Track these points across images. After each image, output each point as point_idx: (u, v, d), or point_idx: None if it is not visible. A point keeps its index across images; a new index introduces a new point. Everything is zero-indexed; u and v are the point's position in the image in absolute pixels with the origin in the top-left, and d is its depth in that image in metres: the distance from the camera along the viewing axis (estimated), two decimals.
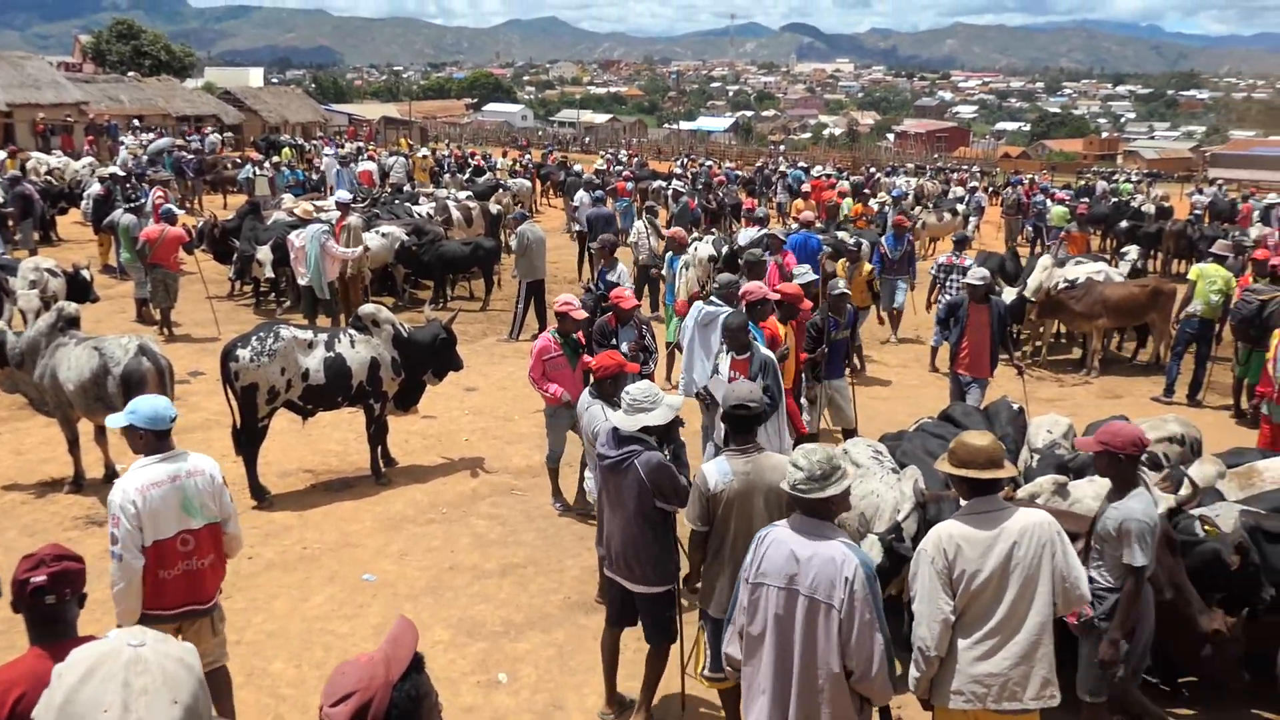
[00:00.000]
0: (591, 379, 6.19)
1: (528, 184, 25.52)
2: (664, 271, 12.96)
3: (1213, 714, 5.64)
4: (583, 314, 7.75)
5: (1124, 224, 20.39)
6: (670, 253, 12.56)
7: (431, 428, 9.96)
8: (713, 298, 8.58)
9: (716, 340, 7.76)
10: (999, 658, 3.89)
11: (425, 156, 29.55)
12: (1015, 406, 7.89)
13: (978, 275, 9.43)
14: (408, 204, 18.44)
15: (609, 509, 5.16)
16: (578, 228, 18.69)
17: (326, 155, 28.04)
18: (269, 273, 14.10)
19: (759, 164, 36.63)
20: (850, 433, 8.78)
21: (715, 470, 4.63)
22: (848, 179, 29.46)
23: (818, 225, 15.26)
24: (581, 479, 7.70)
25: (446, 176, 27.67)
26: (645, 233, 14.81)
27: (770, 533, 3.89)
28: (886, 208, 19.91)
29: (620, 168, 30.88)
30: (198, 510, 4.44)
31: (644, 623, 5.20)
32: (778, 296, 8.21)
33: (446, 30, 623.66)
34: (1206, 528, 5.41)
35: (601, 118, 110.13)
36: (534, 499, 8.31)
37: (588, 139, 66.42)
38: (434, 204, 18.59)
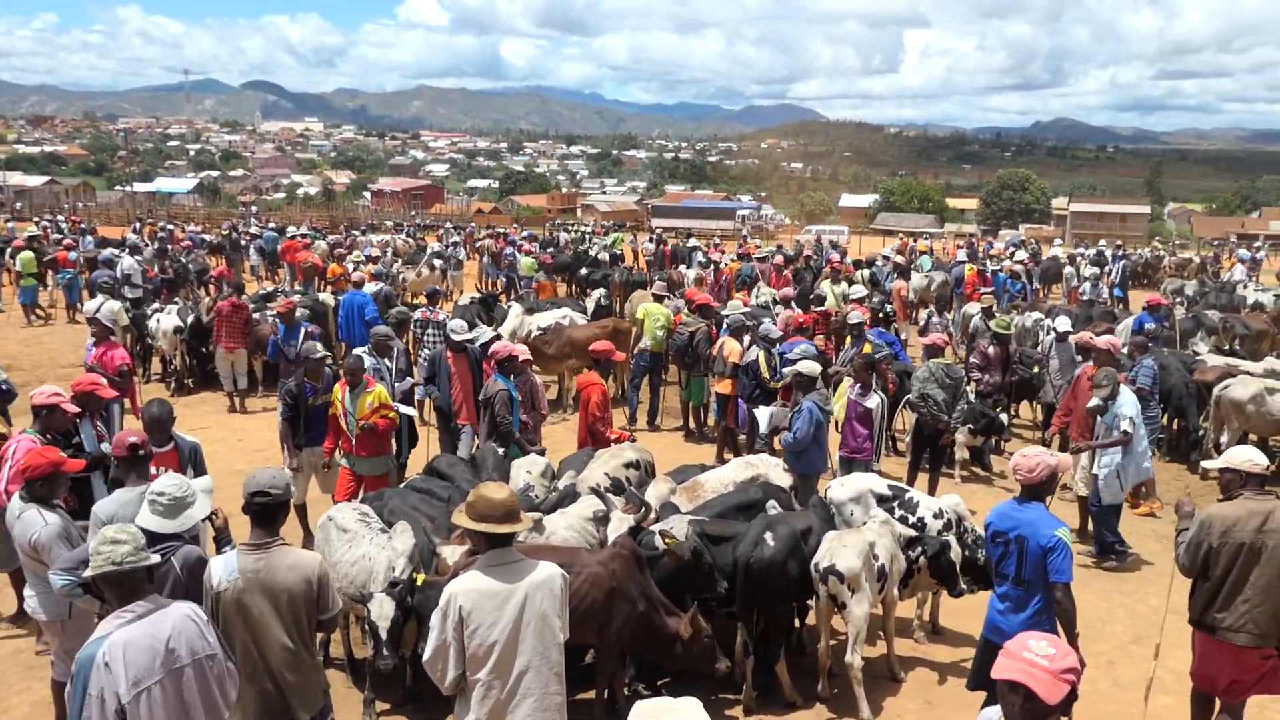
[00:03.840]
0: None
1: None
2: None
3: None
4: (75, 407, 6.62)
5: (584, 271, 22.38)
6: None
7: None
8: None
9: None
10: (522, 710, 3.97)
11: None
12: (500, 451, 8.20)
13: (454, 329, 9.80)
14: None
15: None
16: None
17: None
18: None
19: (229, 226, 34.58)
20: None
21: (221, 567, 4.17)
22: (325, 239, 29.00)
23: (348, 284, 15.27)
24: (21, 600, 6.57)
25: None
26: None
27: (110, 640, 3.48)
28: (363, 267, 19.87)
29: (61, 236, 27.36)
30: None
31: None
32: (525, 353, 9.24)
33: None
34: (666, 540, 6.01)
35: (36, 180, 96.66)
36: None
37: (19, 204, 58.01)
38: None
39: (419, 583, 5.66)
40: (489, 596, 3.92)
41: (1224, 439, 11.03)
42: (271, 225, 34.15)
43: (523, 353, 9.19)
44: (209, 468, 6.73)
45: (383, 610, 5.41)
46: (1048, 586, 4.87)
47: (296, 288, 18.98)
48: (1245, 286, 22.41)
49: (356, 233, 32.27)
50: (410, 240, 32.41)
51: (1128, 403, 8.36)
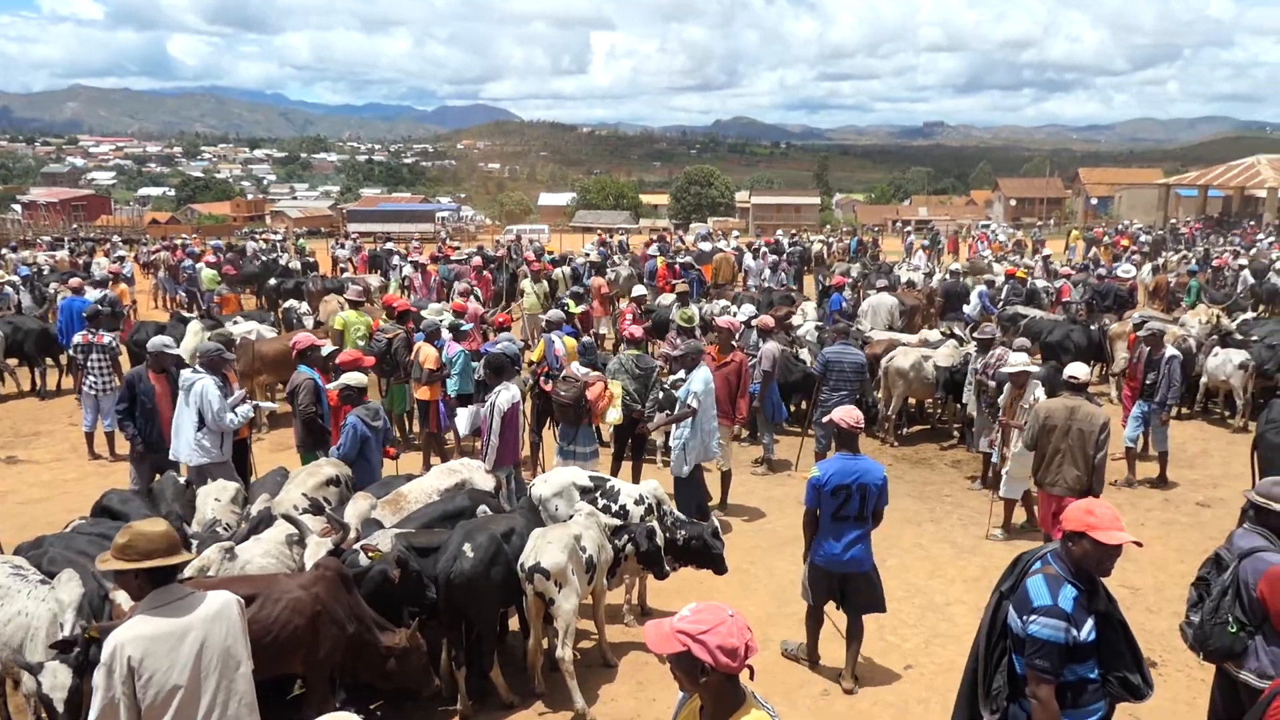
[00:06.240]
0: None
1: None
2: None
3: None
4: None
5: (273, 281, 21.21)
6: None
7: None
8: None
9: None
10: None
11: None
12: (182, 480, 7.61)
13: (157, 345, 9.02)
14: None
15: None
16: None
17: None
18: None
19: None
20: None
21: None
22: None
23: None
24: None
25: None
26: None
27: None
28: (8, 288, 17.79)
29: None
30: None
31: None
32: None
33: None
34: (370, 554, 5.82)
35: None
36: None
37: None
38: None
39: (91, 634, 5.11)
40: (159, 640, 3.61)
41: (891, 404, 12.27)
42: None
43: (325, 345, 9.23)
44: None
45: (58, 680, 4.83)
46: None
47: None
48: (901, 266, 24.98)
49: (5, 250, 28.66)
50: (65, 256, 29.26)
51: (698, 379, 8.94)
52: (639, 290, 15.49)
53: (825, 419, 6.75)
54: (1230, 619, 4.53)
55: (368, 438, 7.88)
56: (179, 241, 35.39)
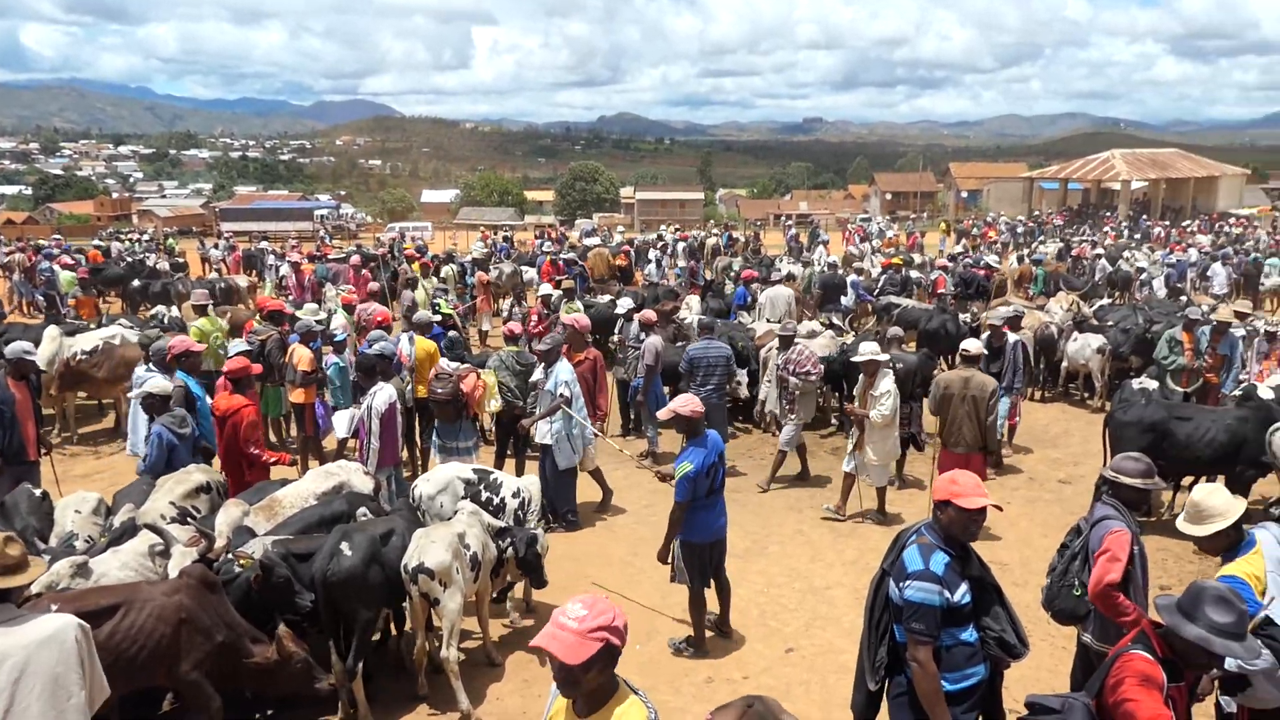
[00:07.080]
0: None
1: None
2: None
3: None
4: None
5: (137, 283, 20.33)
6: None
7: None
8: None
9: None
10: None
11: None
12: (38, 492, 7.21)
13: (15, 350, 8.52)
14: None
15: None
16: None
17: None
18: None
19: None
20: None
21: None
22: None
23: None
24: None
25: None
26: None
27: None
28: None
29: None
30: None
31: None
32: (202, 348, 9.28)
33: None
34: (242, 561, 5.63)
35: None
36: None
37: None
38: None
39: None
40: None
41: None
42: None
43: (199, 349, 8.94)
44: None
45: None
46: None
47: None
48: (781, 259, 25.43)
49: None
50: None
51: (564, 369, 9.10)
52: (545, 289, 15.46)
53: (663, 414, 6.66)
54: (1076, 582, 4.79)
55: (175, 446, 7.45)
56: (39, 243, 33.59)
